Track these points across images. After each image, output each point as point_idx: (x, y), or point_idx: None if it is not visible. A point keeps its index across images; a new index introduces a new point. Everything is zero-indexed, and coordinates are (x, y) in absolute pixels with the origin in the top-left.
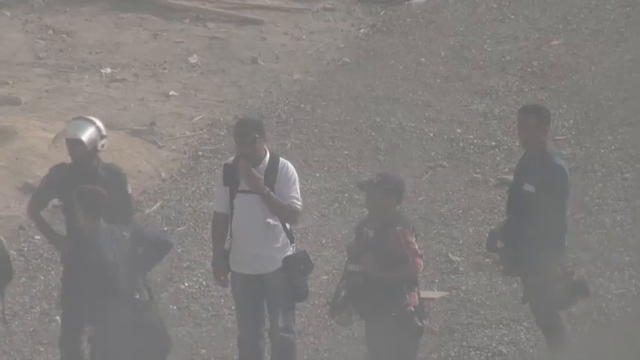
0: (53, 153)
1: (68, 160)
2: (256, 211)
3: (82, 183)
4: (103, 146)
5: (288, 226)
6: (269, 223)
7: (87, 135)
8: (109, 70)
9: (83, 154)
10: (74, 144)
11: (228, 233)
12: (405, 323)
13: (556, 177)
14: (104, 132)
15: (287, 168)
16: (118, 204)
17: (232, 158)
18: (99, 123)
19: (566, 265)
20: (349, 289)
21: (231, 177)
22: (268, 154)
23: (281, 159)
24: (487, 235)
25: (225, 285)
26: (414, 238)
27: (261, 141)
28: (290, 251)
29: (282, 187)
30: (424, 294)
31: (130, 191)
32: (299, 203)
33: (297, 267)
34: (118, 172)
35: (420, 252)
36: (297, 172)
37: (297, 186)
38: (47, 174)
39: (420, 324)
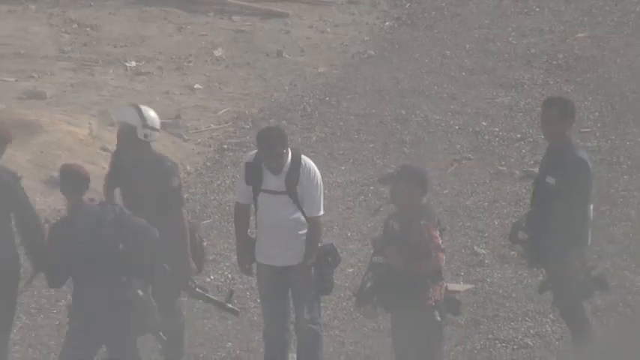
0: (78, 147)
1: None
2: (281, 209)
3: (125, 171)
4: (146, 136)
5: None
6: (294, 218)
7: (124, 118)
8: (133, 64)
9: (120, 138)
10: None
11: (253, 223)
12: (426, 317)
13: (577, 170)
14: (149, 122)
15: (310, 170)
16: (160, 197)
17: (252, 154)
18: (147, 113)
19: (586, 259)
20: (374, 281)
21: (253, 176)
22: (290, 154)
23: (303, 158)
24: (510, 227)
25: (250, 273)
26: (438, 233)
27: (287, 153)
28: None
29: (306, 191)
30: (450, 287)
31: (175, 185)
32: (322, 211)
33: (325, 259)
34: (163, 164)
35: (442, 247)
36: (323, 166)
37: (322, 189)
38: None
39: (438, 319)
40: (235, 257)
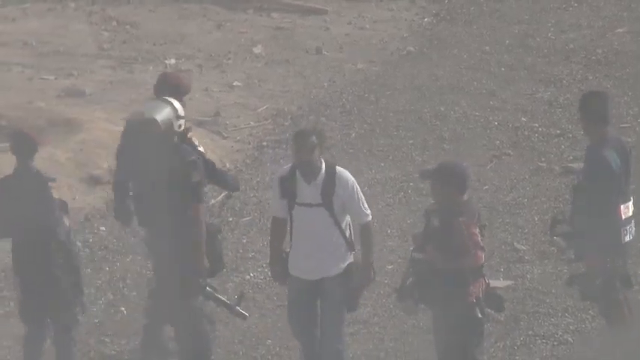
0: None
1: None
2: (317, 222)
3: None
4: (180, 127)
5: (347, 234)
6: (330, 231)
7: (162, 115)
8: (173, 61)
9: (158, 135)
10: (149, 124)
11: (288, 236)
12: (467, 313)
13: (598, 169)
14: (181, 112)
15: (343, 178)
16: (182, 190)
17: (286, 168)
18: (176, 104)
19: (617, 257)
20: (415, 276)
21: (287, 189)
22: (324, 165)
23: (337, 168)
24: (549, 221)
25: (285, 284)
26: (478, 230)
27: (320, 149)
28: (350, 259)
29: (346, 201)
30: (491, 283)
31: (195, 179)
32: (368, 213)
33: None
34: (185, 158)
35: (482, 244)
36: (362, 162)
37: (360, 194)
38: None
39: (480, 315)
40: None
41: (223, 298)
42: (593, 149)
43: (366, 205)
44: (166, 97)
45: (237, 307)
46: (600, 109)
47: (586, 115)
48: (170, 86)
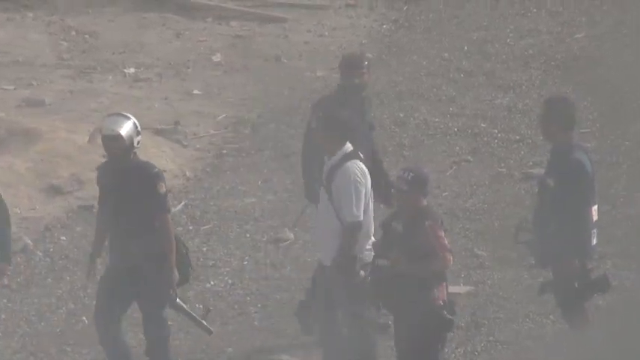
0: (78, 154)
1: (96, 159)
2: (322, 202)
3: (116, 179)
4: (138, 143)
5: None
6: (328, 217)
7: (125, 130)
8: (132, 70)
9: (121, 150)
10: (113, 140)
11: None
12: (434, 317)
13: (573, 172)
14: (139, 128)
15: (347, 172)
16: (148, 202)
17: None
18: (135, 119)
19: (587, 260)
20: (376, 283)
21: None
22: (344, 152)
23: (349, 163)
24: (513, 228)
25: None
26: (444, 233)
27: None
28: None
29: (339, 193)
30: (451, 289)
31: (162, 190)
32: (355, 215)
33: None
34: (148, 170)
35: (449, 247)
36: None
37: (355, 195)
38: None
39: (450, 317)
40: (235, 263)
41: (192, 312)
42: (563, 153)
43: (356, 208)
44: (125, 113)
45: (204, 322)
46: (568, 113)
47: (553, 119)
48: None
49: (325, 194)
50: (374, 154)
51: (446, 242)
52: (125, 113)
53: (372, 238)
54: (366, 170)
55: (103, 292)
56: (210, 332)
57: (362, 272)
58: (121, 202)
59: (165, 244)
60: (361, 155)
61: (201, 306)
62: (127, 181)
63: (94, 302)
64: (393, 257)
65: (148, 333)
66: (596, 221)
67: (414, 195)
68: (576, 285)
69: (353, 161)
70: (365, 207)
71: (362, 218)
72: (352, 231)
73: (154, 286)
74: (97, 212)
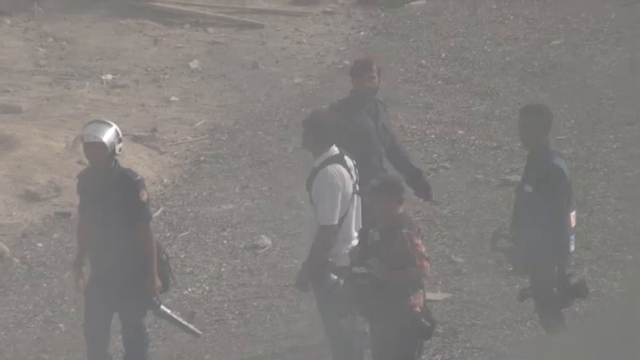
0: (55, 160)
1: (73, 165)
2: (306, 203)
3: (97, 187)
4: (120, 150)
5: None
6: (310, 215)
7: (107, 137)
8: (109, 77)
9: (103, 157)
10: (94, 147)
11: None
12: (411, 325)
13: (552, 178)
14: (121, 135)
15: (322, 177)
16: (129, 210)
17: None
18: (116, 126)
19: (565, 266)
20: (354, 291)
21: None
22: (326, 157)
23: (329, 166)
24: (491, 235)
25: None
26: (421, 241)
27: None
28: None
29: (315, 196)
30: (428, 296)
31: (144, 198)
32: (329, 219)
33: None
34: (130, 178)
35: (426, 255)
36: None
37: (327, 199)
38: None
39: (428, 324)
40: (213, 269)
41: (177, 317)
42: (542, 160)
43: (330, 212)
44: (106, 120)
45: (191, 326)
46: (545, 120)
47: (531, 126)
48: None
49: (307, 194)
50: (401, 153)
51: (423, 250)
52: (106, 120)
53: (353, 243)
54: (346, 175)
55: (90, 304)
56: (198, 336)
57: (334, 276)
58: (102, 209)
59: (146, 252)
60: (348, 159)
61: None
62: (108, 188)
63: (72, 310)
64: (370, 264)
65: (127, 341)
66: (574, 227)
67: (388, 203)
68: (556, 291)
69: (334, 165)
70: (346, 212)
71: (336, 222)
72: (324, 234)
73: (135, 294)
74: (78, 220)
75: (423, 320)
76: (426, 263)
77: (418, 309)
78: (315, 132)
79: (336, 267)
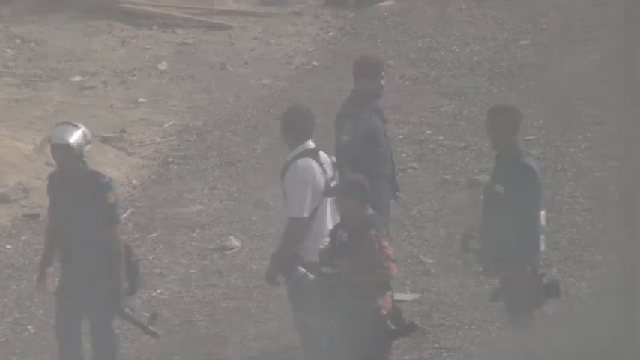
0: (23, 162)
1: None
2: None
3: (65, 189)
4: (88, 152)
5: None
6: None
7: (74, 139)
8: (78, 78)
9: (69, 159)
10: (61, 149)
11: None
12: (378, 327)
13: (524, 178)
14: (89, 137)
15: (293, 170)
16: (98, 212)
17: None
18: (84, 128)
19: (537, 266)
20: (322, 291)
21: None
22: (299, 150)
23: (300, 160)
24: (460, 236)
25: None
26: (389, 242)
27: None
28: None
29: (286, 188)
30: (397, 296)
31: (111, 201)
32: (297, 212)
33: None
34: (98, 180)
35: (393, 257)
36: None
37: (296, 192)
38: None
39: (393, 327)
40: (182, 271)
41: (139, 319)
42: (511, 160)
43: (299, 206)
44: (74, 122)
45: (151, 327)
46: (513, 120)
47: (499, 126)
48: None
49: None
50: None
51: (390, 252)
52: (75, 122)
53: (328, 238)
54: (317, 170)
55: (61, 307)
56: (157, 337)
57: (301, 269)
58: (70, 211)
59: (113, 255)
60: (323, 155)
61: (147, 314)
62: (76, 190)
63: (41, 311)
64: (338, 265)
65: (96, 343)
66: (543, 227)
67: (353, 204)
68: (528, 290)
69: (305, 159)
70: (319, 206)
71: (305, 215)
72: (293, 227)
73: (103, 296)
74: (47, 221)
75: (389, 323)
76: (392, 265)
77: (384, 311)
78: (294, 126)
79: (303, 260)
